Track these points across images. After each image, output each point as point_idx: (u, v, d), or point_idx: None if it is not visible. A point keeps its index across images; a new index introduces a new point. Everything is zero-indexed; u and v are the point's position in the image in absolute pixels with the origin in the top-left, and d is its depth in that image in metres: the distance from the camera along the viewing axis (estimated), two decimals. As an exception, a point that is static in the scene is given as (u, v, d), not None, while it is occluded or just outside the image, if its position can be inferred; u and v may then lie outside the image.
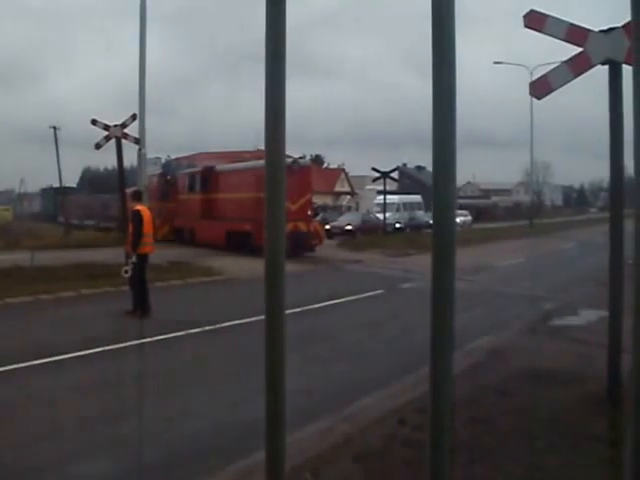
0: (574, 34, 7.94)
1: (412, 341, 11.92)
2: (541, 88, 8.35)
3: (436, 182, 1.99)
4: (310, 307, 16.64)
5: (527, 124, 46.21)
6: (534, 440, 6.76)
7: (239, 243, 33.08)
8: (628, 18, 7.79)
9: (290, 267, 3.44)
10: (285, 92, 2.17)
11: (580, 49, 7.95)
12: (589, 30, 7.95)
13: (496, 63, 53.77)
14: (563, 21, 8.13)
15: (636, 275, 1.88)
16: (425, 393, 8.52)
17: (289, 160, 28.39)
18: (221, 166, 39.49)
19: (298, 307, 15.11)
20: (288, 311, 2.90)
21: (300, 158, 35.93)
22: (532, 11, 8.28)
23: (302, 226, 32.23)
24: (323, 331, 14.21)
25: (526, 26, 8.29)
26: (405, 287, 21.71)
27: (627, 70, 7.75)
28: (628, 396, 7.15)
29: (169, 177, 43.94)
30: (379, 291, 20.66)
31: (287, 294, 2.93)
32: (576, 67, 7.98)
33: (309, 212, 33.97)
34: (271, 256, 2.15)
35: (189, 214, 39.88)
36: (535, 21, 8.28)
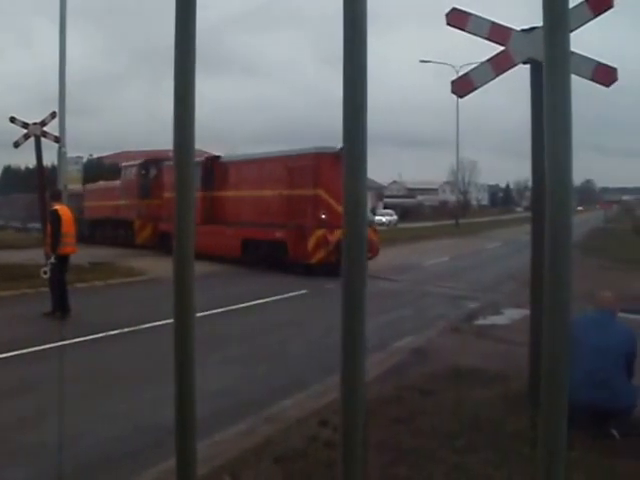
0: (496, 33, 8.05)
1: (337, 341, 11.94)
2: (463, 86, 8.45)
3: (347, 181, 1.98)
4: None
5: (454, 123, 46.90)
6: (455, 439, 6.85)
7: (265, 256, 27.06)
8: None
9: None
10: (194, 90, 2.14)
11: (502, 48, 8.07)
12: (511, 29, 8.07)
13: (422, 62, 54.32)
14: (485, 20, 8.23)
15: (547, 276, 1.91)
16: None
17: (336, 148, 23.51)
18: (234, 156, 32.77)
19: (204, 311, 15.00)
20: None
21: None
22: (454, 9, 8.35)
23: None
24: (235, 335, 14.15)
25: (448, 24, 8.37)
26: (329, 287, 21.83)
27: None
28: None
29: (151, 169, 37.53)
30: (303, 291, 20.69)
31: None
32: (498, 66, 8.10)
33: None
34: (180, 255, 2.10)
35: None
36: (457, 19, 8.36)
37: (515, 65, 8.07)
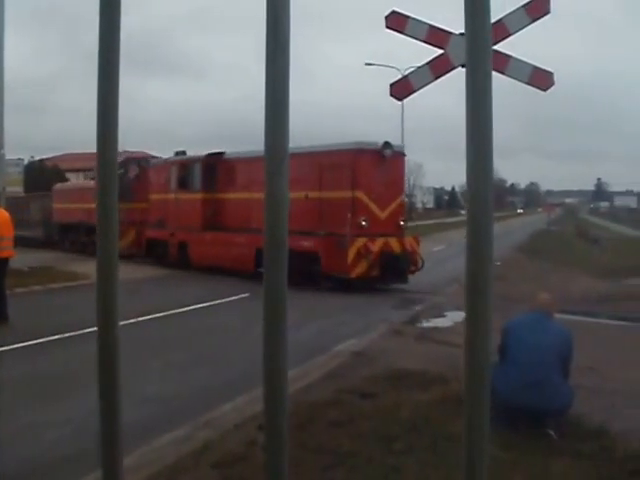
0: (435, 36, 8.15)
1: (289, 341, 11.95)
2: (402, 89, 8.54)
3: (268, 183, 2.00)
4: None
5: (399, 125, 47.22)
6: (394, 442, 6.91)
7: (290, 269, 24.50)
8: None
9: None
10: (118, 87, 2.14)
11: (441, 51, 8.17)
12: (450, 32, 8.17)
13: (367, 64, 54.37)
14: (424, 23, 8.32)
15: (466, 278, 1.95)
16: (289, 398, 8.59)
17: (379, 143, 21.98)
18: (242, 153, 27.02)
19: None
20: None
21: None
22: (393, 12, 8.44)
23: (395, 245, 22.47)
24: (175, 339, 14.09)
25: (387, 27, 8.45)
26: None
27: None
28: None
29: (132, 169, 33.88)
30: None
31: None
32: (437, 69, 8.19)
33: (401, 222, 23.52)
34: (103, 260, 2.07)
35: (178, 222, 28.54)
36: (396, 22, 8.44)
37: (454, 68, 8.17)
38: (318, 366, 10.87)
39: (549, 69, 7.96)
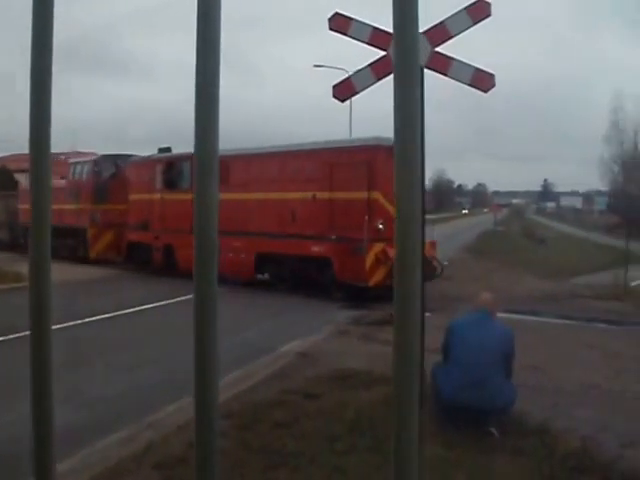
0: (378, 38, 8.18)
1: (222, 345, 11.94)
2: (344, 90, 8.58)
3: (199, 185, 2.01)
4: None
5: (347, 127, 47.49)
6: (337, 442, 6.96)
7: (295, 276, 21.76)
8: (430, 23, 8.14)
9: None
10: (51, 88, 2.14)
11: (383, 53, 8.22)
12: (393, 34, 8.21)
13: (316, 66, 54.38)
14: (367, 25, 8.36)
15: (395, 282, 1.98)
16: (232, 398, 8.56)
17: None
18: (238, 149, 24.53)
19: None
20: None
21: None
22: (337, 14, 8.47)
23: None
24: (119, 341, 14.00)
25: (331, 29, 8.48)
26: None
27: (429, 74, 8.12)
28: (428, 396, 7.49)
29: (108, 168, 31.43)
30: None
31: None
32: (379, 70, 8.23)
33: None
34: (36, 262, 2.08)
35: (163, 224, 26.53)
36: (340, 24, 8.47)
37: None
38: (263, 367, 10.91)
39: (490, 71, 8.05)
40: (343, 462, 6.45)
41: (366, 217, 19.30)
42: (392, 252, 8.46)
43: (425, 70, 8.07)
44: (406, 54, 2.60)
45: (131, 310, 17.34)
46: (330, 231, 20.51)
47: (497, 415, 7.34)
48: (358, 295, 19.67)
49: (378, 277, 19.51)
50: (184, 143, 28.21)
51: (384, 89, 8.29)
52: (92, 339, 13.40)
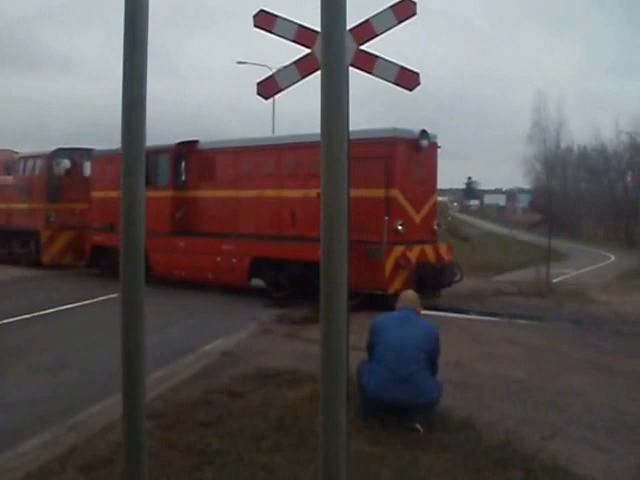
0: (303, 36, 8.24)
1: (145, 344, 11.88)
2: (268, 88, 8.64)
3: (124, 183, 2.03)
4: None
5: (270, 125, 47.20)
6: (262, 440, 7.01)
7: (300, 282, 19.00)
8: (355, 22, 8.21)
9: None
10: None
11: (308, 50, 8.27)
12: (318, 32, 8.27)
13: (239, 63, 54.02)
14: (293, 22, 8.41)
15: (322, 283, 2.03)
16: (156, 397, 8.52)
17: (415, 131, 18.27)
18: (224, 142, 22.64)
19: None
20: None
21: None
22: (262, 11, 8.52)
23: (430, 253, 18.66)
24: (40, 342, 13.81)
25: (256, 26, 8.52)
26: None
27: (353, 73, 8.20)
28: (354, 393, 7.56)
29: (63, 162, 28.34)
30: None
31: None
32: (304, 68, 8.29)
33: (435, 227, 19.74)
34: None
35: None
36: (265, 21, 8.52)
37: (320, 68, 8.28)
38: (187, 366, 10.88)
39: (415, 69, 8.16)
40: (269, 460, 6.50)
41: (386, 218, 17.46)
42: (413, 256, 18.01)
43: (350, 69, 8.18)
44: (334, 52, 2.65)
45: (51, 311, 17.07)
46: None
47: (422, 411, 7.44)
48: (374, 302, 17.24)
49: (398, 284, 17.38)
50: (110, 139, 26.89)
51: (307, 87, 8.35)
52: (12, 341, 13.21)
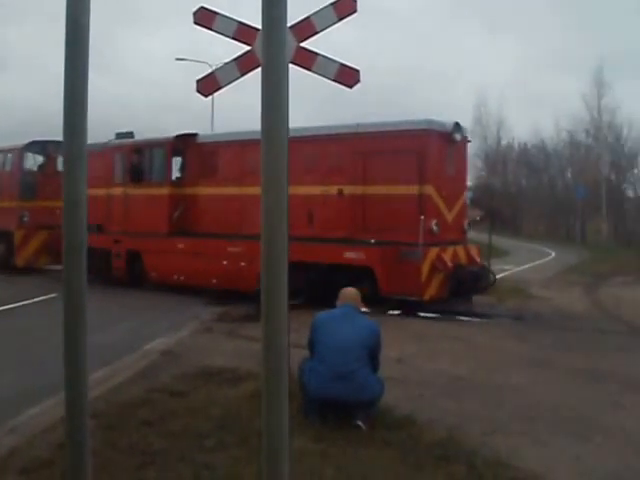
0: (243, 33, 8.27)
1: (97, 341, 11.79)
2: (208, 85, 8.66)
3: (66, 181, 2.06)
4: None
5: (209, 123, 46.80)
6: (204, 439, 7.03)
7: (319, 288, 16.87)
8: (296, 19, 8.24)
9: None
10: None
11: (248, 48, 8.30)
12: (257, 29, 8.30)
13: (178, 60, 53.64)
14: (233, 20, 8.44)
15: (262, 280, 2.07)
16: (97, 397, 8.45)
17: (448, 123, 17.31)
18: (224, 135, 20.83)
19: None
20: None
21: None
22: (202, 8, 8.54)
23: (462, 255, 17.65)
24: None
25: (196, 23, 8.54)
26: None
27: (293, 70, 8.25)
28: (296, 391, 7.61)
29: (38, 156, 26.90)
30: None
31: None
32: (244, 65, 8.33)
33: (466, 226, 18.63)
34: None
35: (126, 225, 21.86)
36: (205, 18, 8.54)
37: (260, 65, 8.30)
38: (128, 365, 10.83)
39: (355, 66, 8.23)
40: (212, 459, 6.52)
41: (422, 217, 16.22)
42: (448, 258, 16.78)
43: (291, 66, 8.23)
44: (274, 51, 2.70)
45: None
46: (364, 233, 17.18)
47: (364, 408, 7.50)
48: (407, 306, 16.61)
49: (433, 289, 16.50)
50: (49, 134, 25.45)
51: (247, 83, 8.38)
52: None
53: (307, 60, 8.24)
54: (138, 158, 22.00)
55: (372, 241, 16.83)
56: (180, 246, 20.52)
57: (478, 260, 18.01)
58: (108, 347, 11.76)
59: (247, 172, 18.91)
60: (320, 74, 8.22)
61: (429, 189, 16.66)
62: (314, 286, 17.34)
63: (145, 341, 12.69)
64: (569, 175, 75.92)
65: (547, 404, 8.94)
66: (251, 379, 9.26)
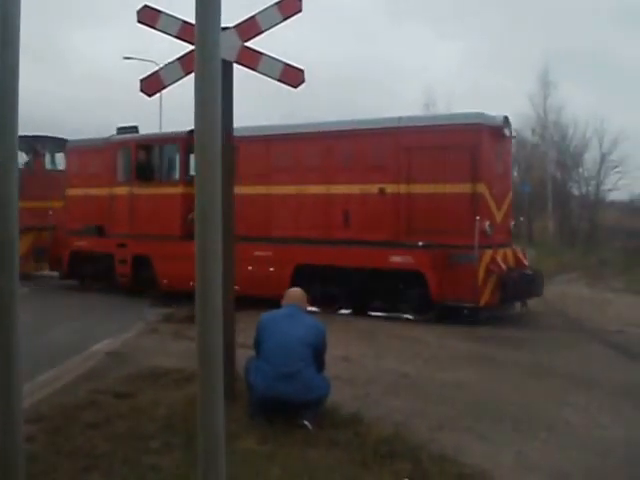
0: (187, 32, 8.23)
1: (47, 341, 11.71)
2: (152, 85, 8.62)
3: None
4: None
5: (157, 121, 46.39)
6: (150, 440, 6.98)
7: (358, 294, 16.64)
8: (241, 18, 8.23)
9: None
10: None
11: (192, 47, 8.26)
12: (203, 28, 8.28)
13: (126, 58, 53.17)
14: (177, 18, 8.40)
15: (197, 279, 2.06)
16: (41, 401, 8.32)
17: (498, 117, 16.32)
18: (247, 130, 17.28)
19: None
20: None
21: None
22: (145, 6, 8.52)
23: (510, 258, 16.69)
24: None
25: (139, 22, 8.50)
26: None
27: (237, 69, 8.24)
28: (243, 391, 7.60)
29: (26, 152, 24.65)
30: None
31: None
32: (188, 64, 8.28)
33: (512, 227, 17.59)
34: None
35: (132, 228, 19.88)
36: (148, 17, 8.52)
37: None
38: (72, 368, 10.73)
39: (300, 66, 8.24)
40: (157, 461, 6.48)
41: (477, 217, 15.19)
42: (501, 261, 15.50)
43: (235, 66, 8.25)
44: (208, 52, 2.69)
45: None
46: (408, 236, 16.01)
47: (310, 408, 7.50)
48: (458, 315, 15.81)
49: (488, 294, 15.47)
50: None
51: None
52: None
53: (252, 60, 8.24)
54: (146, 155, 20.27)
55: (420, 244, 15.68)
56: (187, 250, 17.16)
57: (526, 263, 17.06)
58: (53, 349, 11.65)
59: (274, 170, 17.92)
60: (265, 74, 8.22)
61: (482, 188, 15.70)
62: (352, 293, 16.66)
63: (91, 342, 12.57)
64: (515, 173, 76.65)
65: (493, 400, 9.04)
66: (197, 380, 9.21)
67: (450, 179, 15.69)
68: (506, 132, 16.33)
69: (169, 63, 8.54)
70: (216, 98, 2.30)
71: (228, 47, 8.03)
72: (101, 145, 21.09)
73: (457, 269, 15.34)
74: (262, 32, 8.21)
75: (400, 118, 16.75)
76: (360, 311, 16.53)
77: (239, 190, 15.88)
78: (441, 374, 10.49)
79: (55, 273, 22.88)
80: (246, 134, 17.23)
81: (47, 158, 25.55)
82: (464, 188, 15.61)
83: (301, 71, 8.23)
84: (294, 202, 17.59)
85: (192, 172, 18.10)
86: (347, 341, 12.40)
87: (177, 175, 19.80)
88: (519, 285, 15.79)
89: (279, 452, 6.71)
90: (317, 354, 7.70)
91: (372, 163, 16.44)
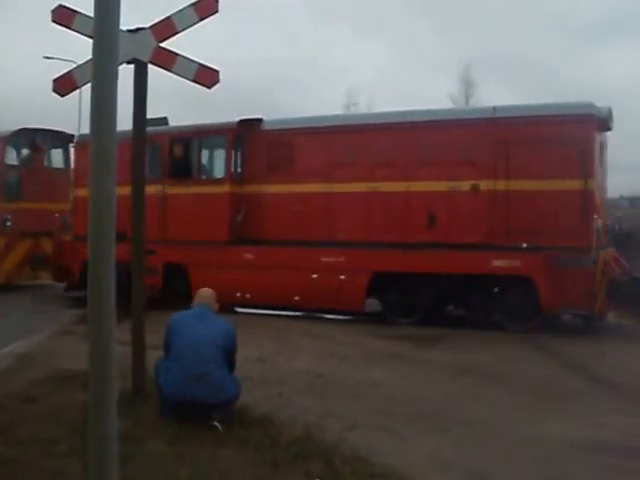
0: (102, 32, 8.09)
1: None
2: (65, 84, 8.54)
3: None
4: None
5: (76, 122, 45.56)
6: (56, 445, 6.82)
7: (451, 303, 15.90)
8: (156, 19, 8.15)
9: None
10: None
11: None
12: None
13: (46, 58, 52.25)
14: (92, 18, 8.26)
15: (89, 281, 1.99)
16: None
17: (601, 108, 14.77)
18: (304, 121, 17.05)
19: None
20: None
21: None
22: (60, 6, 8.49)
23: (611, 260, 15.05)
24: None
25: (54, 21, 8.43)
26: None
27: (152, 69, 8.16)
28: (153, 391, 7.49)
29: (24, 148, 22.42)
30: None
31: None
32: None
33: (609, 227, 16.49)
34: None
35: (165, 232, 17.01)
36: (63, 17, 8.49)
37: (119, 64, 8.18)
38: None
39: (215, 67, 8.20)
40: (63, 465, 6.33)
41: (595, 216, 14.02)
42: (613, 263, 14.39)
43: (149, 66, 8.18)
44: (105, 52, 2.61)
45: None
46: (507, 237, 14.49)
47: (220, 409, 7.46)
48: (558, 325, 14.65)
49: (601, 300, 14.10)
50: None
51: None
52: None
53: (166, 60, 8.18)
54: (183, 149, 17.48)
55: (524, 245, 14.21)
56: (247, 257, 16.55)
57: (626, 265, 15.40)
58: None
59: (336, 165, 16.04)
60: (180, 74, 8.18)
61: (592, 184, 14.26)
62: (441, 302, 15.56)
63: (1, 345, 12.28)
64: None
65: (407, 398, 9.13)
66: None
67: (556, 175, 14.27)
68: (611, 125, 15.21)
69: (82, 64, 8.44)
70: (112, 100, 2.23)
71: (142, 47, 8.01)
72: (121, 139, 17.92)
73: (568, 273, 13.90)
74: (178, 32, 8.17)
75: (494, 108, 15.23)
76: (451, 322, 15.32)
77: (297, 188, 16.31)
78: (356, 373, 10.52)
79: (49, 281, 21.03)
80: (299, 125, 16.49)
81: (48, 154, 22.96)
82: (573, 185, 14.17)
83: (216, 72, 8.20)
84: (361, 202, 15.82)
85: (239, 168, 17.44)
86: (261, 341, 12.38)
87: (223, 172, 17.46)
88: (630, 290, 14.26)
89: (188, 453, 6.65)
90: (228, 355, 7.67)
91: (461, 157, 14.95)
